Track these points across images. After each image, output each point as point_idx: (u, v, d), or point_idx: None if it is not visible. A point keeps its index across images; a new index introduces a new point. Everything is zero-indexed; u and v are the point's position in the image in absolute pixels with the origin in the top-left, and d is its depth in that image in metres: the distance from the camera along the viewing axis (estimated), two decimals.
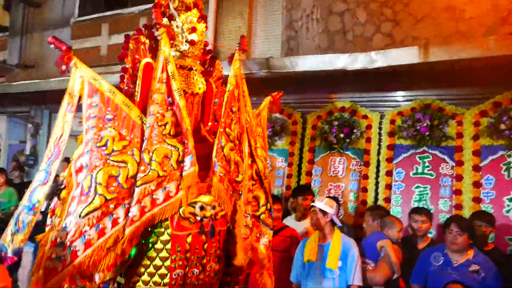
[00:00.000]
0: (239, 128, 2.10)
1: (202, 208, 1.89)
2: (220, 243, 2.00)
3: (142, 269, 1.86)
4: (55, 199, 1.87)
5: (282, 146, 5.41)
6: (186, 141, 1.89)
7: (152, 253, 1.87)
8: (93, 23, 7.63)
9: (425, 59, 3.96)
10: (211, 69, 2.41)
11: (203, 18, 2.26)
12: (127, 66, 2.23)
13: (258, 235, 2.18)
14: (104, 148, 1.80)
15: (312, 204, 3.26)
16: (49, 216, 1.92)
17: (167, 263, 1.84)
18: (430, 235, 3.82)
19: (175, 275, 1.83)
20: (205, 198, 1.90)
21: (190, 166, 1.85)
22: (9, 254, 1.72)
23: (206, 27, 2.28)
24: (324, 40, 5.04)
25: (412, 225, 3.58)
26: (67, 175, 1.84)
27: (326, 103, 5.16)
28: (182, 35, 2.18)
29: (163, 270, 1.85)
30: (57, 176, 1.89)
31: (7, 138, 9.05)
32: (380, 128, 4.79)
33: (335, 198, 4.15)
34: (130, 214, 1.73)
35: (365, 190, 4.73)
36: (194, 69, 2.22)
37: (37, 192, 1.80)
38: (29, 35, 8.67)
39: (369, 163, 4.76)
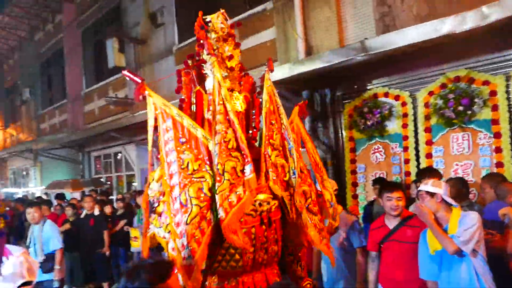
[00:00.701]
0: (280, 138, 2.48)
1: (260, 204, 2.34)
2: (276, 229, 2.44)
3: (220, 257, 2.32)
4: (151, 214, 2.33)
5: (394, 131, 5.07)
6: (244, 153, 2.28)
7: (226, 244, 2.29)
8: (192, 46, 8.15)
9: None
10: (249, 87, 2.74)
11: (237, 45, 2.62)
12: (183, 97, 2.62)
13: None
14: (187, 169, 2.25)
15: (418, 189, 2.99)
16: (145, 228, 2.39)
17: (239, 250, 2.29)
18: None
19: (246, 258, 2.31)
20: (261, 196, 2.34)
21: (250, 173, 2.25)
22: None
23: (240, 51, 2.63)
24: (423, 7, 4.59)
25: None
26: (158, 194, 2.30)
27: (437, 76, 4.68)
28: (222, 63, 2.51)
29: (236, 256, 2.31)
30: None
31: (138, 163, 10.22)
32: (507, 92, 4.15)
33: (460, 179, 3.75)
34: (219, 215, 2.17)
35: (500, 165, 4.14)
36: (235, 90, 2.56)
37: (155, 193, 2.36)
38: (141, 70, 9.71)
39: (500, 134, 4.16)
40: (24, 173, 16.83)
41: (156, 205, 2.29)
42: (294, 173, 2.48)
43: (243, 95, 2.64)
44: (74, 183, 10.79)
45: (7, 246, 1.65)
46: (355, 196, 5.45)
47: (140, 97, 2.32)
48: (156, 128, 2.29)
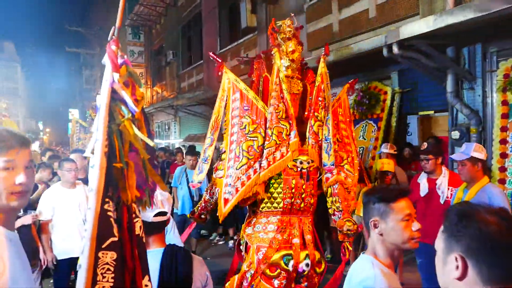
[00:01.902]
0: (324, 112, 3.14)
1: (301, 162, 3.04)
2: (313, 185, 3.11)
3: (266, 199, 3.07)
4: (218, 161, 3.24)
5: None
6: (291, 122, 3.00)
7: (272, 190, 3.07)
8: (324, 3, 7.90)
9: None
10: (306, 77, 3.44)
11: (299, 44, 3.30)
12: (253, 79, 3.48)
13: (345, 177, 3.19)
14: (244, 130, 3.02)
15: None
16: (214, 171, 3.25)
17: (281, 195, 3.03)
18: None
19: (285, 202, 3.03)
20: (303, 157, 3.05)
21: (294, 137, 2.98)
22: (195, 183, 3.41)
23: (302, 48, 3.32)
24: None
25: None
26: (224, 146, 3.10)
27: None
28: (286, 56, 3.21)
29: (278, 200, 3.05)
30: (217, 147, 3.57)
31: None
32: None
33: None
34: (262, 165, 2.93)
35: None
36: (295, 77, 3.27)
37: (208, 150, 3.27)
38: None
39: None
40: (167, 126, 19.01)
41: (222, 152, 3.16)
42: (326, 139, 3.09)
43: (303, 82, 3.35)
44: None
45: None
46: (503, 169, 4.76)
47: (219, 73, 3.27)
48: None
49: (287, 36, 3.28)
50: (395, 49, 4.78)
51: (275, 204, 3.04)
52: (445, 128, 5.90)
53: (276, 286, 2.89)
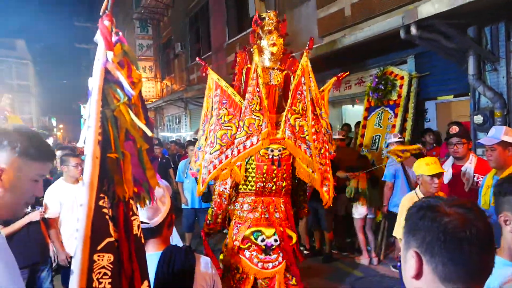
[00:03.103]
0: (303, 104, 3.34)
1: (272, 150, 3.32)
2: (285, 170, 3.38)
3: (242, 182, 3.42)
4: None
5: None
6: (264, 113, 3.21)
7: (247, 174, 3.40)
8: None
9: None
10: (292, 66, 3.65)
11: (281, 36, 3.50)
12: (235, 71, 3.65)
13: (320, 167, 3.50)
14: (220, 119, 3.34)
15: None
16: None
17: (254, 179, 3.36)
18: None
19: (258, 185, 3.37)
20: (274, 146, 3.31)
21: (265, 127, 3.18)
22: (194, 171, 3.74)
23: (284, 40, 3.52)
24: None
25: None
26: (205, 135, 3.50)
27: None
28: (267, 49, 3.45)
29: (252, 183, 3.38)
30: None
31: None
32: None
33: None
34: (233, 153, 3.23)
35: None
36: (275, 68, 3.50)
37: (200, 139, 3.60)
38: (280, 17, 9.53)
39: None
40: (177, 120, 18.91)
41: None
42: (327, 131, 3.49)
43: (284, 72, 3.56)
44: None
45: None
46: None
47: (204, 74, 3.55)
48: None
49: (269, 28, 3.46)
50: (413, 30, 4.53)
51: (249, 187, 3.40)
52: (465, 113, 5.63)
53: (247, 256, 3.31)
